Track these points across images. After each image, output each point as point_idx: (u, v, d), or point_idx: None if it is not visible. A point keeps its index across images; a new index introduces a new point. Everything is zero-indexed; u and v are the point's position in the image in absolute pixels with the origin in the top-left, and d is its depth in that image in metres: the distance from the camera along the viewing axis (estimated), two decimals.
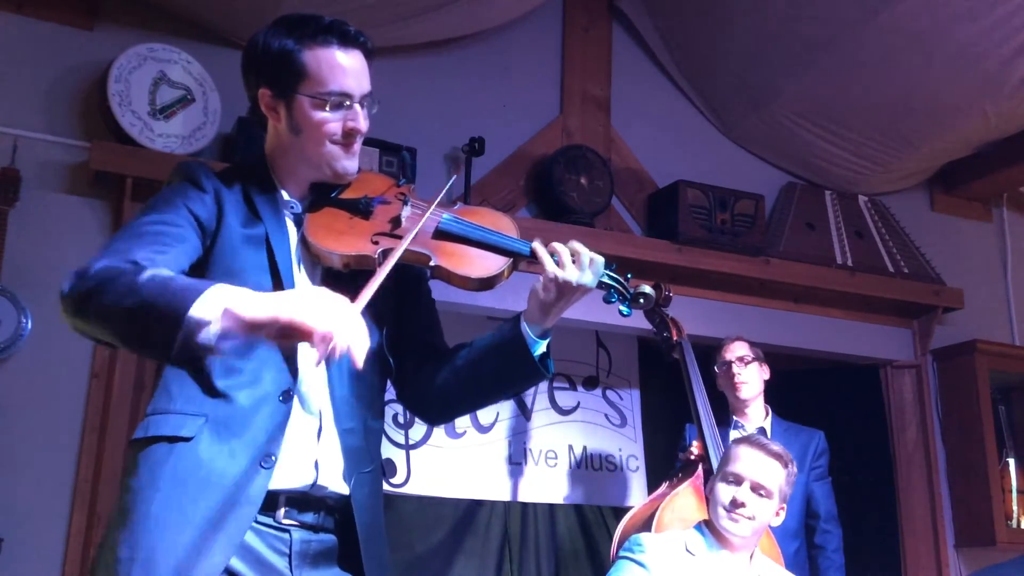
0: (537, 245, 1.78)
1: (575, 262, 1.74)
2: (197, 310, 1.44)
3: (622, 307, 1.83)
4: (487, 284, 1.79)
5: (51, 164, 3.44)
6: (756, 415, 3.67)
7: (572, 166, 4.12)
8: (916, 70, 4.05)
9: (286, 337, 1.45)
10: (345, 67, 1.77)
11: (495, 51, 4.27)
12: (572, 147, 4.19)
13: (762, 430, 3.62)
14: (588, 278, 1.75)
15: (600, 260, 1.77)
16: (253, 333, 1.46)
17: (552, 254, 1.76)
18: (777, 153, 4.71)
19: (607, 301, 1.83)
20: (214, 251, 1.72)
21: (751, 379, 3.63)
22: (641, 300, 1.82)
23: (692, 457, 3.32)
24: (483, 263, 1.79)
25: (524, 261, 1.81)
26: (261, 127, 1.88)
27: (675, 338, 3.46)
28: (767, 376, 3.70)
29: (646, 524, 3.12)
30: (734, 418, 3.64)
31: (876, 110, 4.33)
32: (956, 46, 3.89)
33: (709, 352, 3.79)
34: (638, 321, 4.14)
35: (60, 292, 1.55)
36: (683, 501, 3.19)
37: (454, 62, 4.18)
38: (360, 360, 1.46)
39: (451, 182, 1.85)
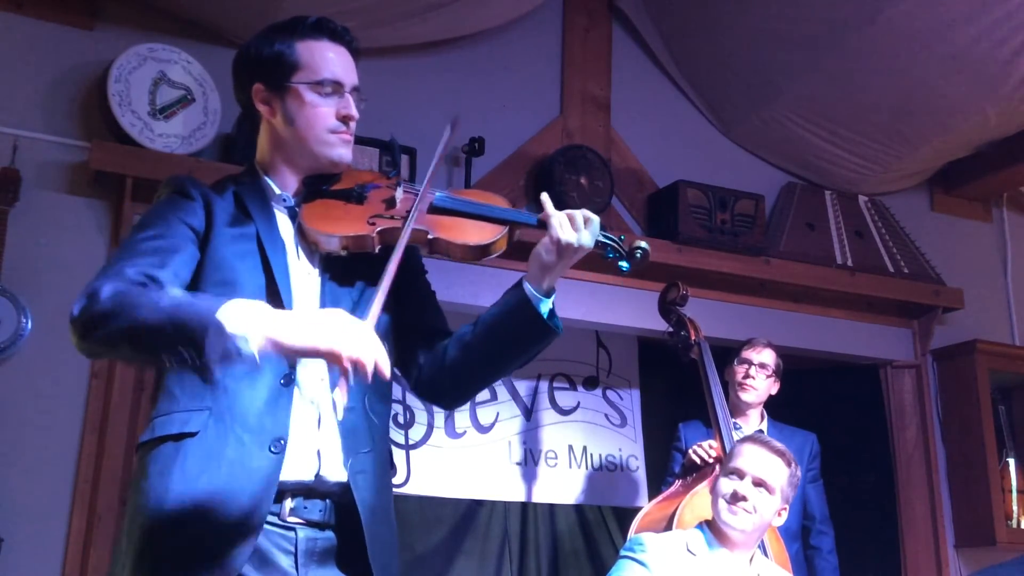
0: (545, 198, 1.82)
1: (575, 222, 1.78)
2: (232, 326, 1.49)
3: (621, 263, 1.85)
4: (484, 252, 1.83)
5: (51, 164, 3.44)
6: (754, 418, 3.67)
7: (572, 166, 4.12)
8: (916, 70, 4.05)
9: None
10: (335, 58, 1.85)
11: (495, 51, 4.27)
12: (572, 147, 4.20)
13: (760, 432, 3.62)
14: (587, 238, 1.78)
15: (596, 220, 1.80)
16: (287, 355, 1.53)
17: (555, 211, 1.80)
18: (777, 153, 4.71)
19: (605, 258, 1.85)
20: (207, 254, 1.75)
21: (761, 387, 3.63)
22: (638, 254, 1.84)
23: (710, 459, 3.31)
24: (480, 231, 1.83)
25: (519, 229, 1.85)
26: (254, 129, 1.91)
27: (693, 338, 3.45)
28: (774, 392, 3.69)
29: (666, 523, 3.11)
30: (732, 419, 3.64)
31: (876, 110, 4.33)
32: (956, 46, 3.89)
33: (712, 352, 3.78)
34: (638, 321, 4.17)
35: (70, 315, 1.57)
36: (703, 500, 3.18)
37: (454, 62, 4.18)
38: (387, 373, 1.54)
39: (436, 159, 1.87)
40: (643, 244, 1.85)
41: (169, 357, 1.51)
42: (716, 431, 3.34)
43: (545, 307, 1.80)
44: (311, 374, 1.73)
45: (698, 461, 3.35)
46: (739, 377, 3.63)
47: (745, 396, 3.62)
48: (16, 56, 3.48)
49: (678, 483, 3.38)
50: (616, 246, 1.84)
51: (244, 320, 1.50)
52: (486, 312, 1.86)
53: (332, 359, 1.50)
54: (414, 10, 3.81)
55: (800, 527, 3.63)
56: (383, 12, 3.73)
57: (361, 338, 1.51)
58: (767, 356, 3.66)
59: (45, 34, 3.52)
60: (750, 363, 3.64)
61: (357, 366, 1.49)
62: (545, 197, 1.83)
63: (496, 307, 1.84)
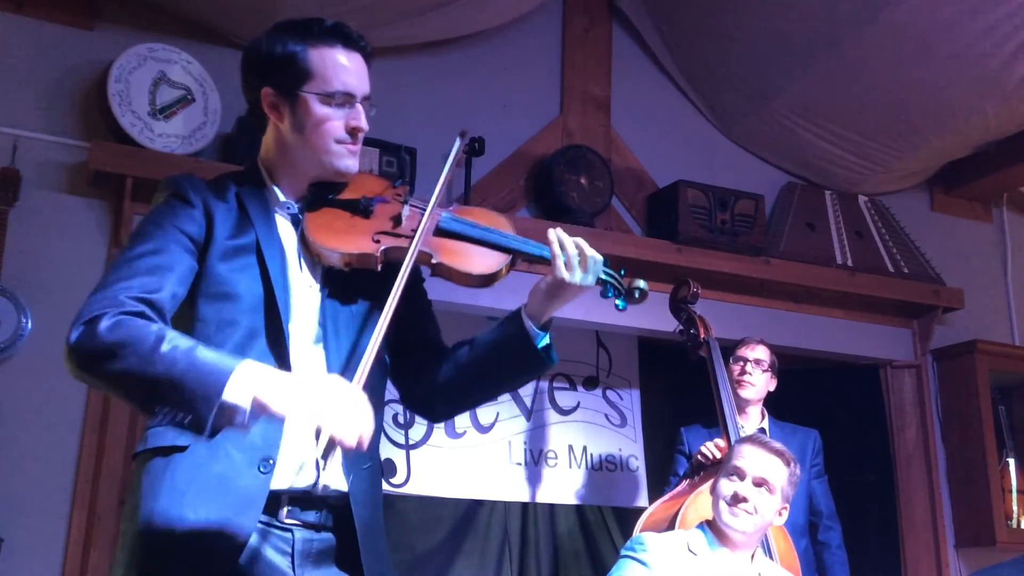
0: (552, 237, 1.80)
1: (580, 263, 1.78)
2: (230, 395, 1.48)
3: (618, 301, 1.87)
4: (487, 281, 1.83)
5: (51, 164, 3.44)
6: (755, 417, 3.68)
7: (572, 166, 4.12)
8: (916, 70, 4.05)
9: None
10: (349, 67, 1.81)
11: (495, 51, 4.27)
12: (572, 147, 4.19)
13: (762, 430, 3.63)
14: (590, 278, 1.80)
15: (600, 258, 1.81)
16: (276, 418, 1.52)
17: (561, 251, 1.79)
18: (777, 153, 4.71)
19: (604, 296, 1.87)
20: (205, 265, 1.73)
21: (758, 383, 3.64)
22: (636, 294, 1.85)
23: (717, 457, 3.31)
24: (483, 260, 1.82)
25: (522, 258, 1.85)
26: (259, 130, 1.89)
27: (703, 336, 3.46)
28: (772, 388, 3.70)
29: (670, 523, 3.11)
30: None
31: (876, 110, 4.33)
32: (956, 46, 3.89)
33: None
34: (638, 321, 4.17)
35: (67, 341, 1.55)
36: (707, 500, 3.18)
37: (454, 62, 4.18)
38: (366, 445, 1.52)
39: (444, 175, 1.85)
40: (642, 284, 1.86)
41: (166, 413, 1.52)
42: (723, 429, 3.34)
43: (542, 342, 1.80)
44: None
45: (704, 461, 3.35)
46: (736, 375, 3.64)
47: (744, 393, 3.62)
48: (16, 56, 3.47)
49: (685, 483, 3.38)
50: (616, 284, 1.86)
51: (245, 389, 1.49)
52: (482, 336, 1.86)
53: (317, 431, 1.49)
54: (414, 10, 3.81)
55: (807, 523, 3.64)
56: (383, 12, 3.73)
57: (347, 414, 1.49)
58: (761, 352, 3.67)
59: (45, 34, 3.52)
60: (745, 360, 3.65)
61: (340, 442, 1.48)
62: (551, 234, 1.81)
63: (492, 334, 1.84)
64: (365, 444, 1.51)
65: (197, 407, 1.48)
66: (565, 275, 1.76)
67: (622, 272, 1.87)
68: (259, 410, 1.50)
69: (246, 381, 1.50)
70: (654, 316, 4.11)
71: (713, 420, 3.45)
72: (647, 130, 4.50)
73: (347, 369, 1.72)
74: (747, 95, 4.47)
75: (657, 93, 4.58)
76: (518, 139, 4.23)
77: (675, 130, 4.58)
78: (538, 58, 4.38)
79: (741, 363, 3.65)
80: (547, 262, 1.80)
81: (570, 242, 1.79)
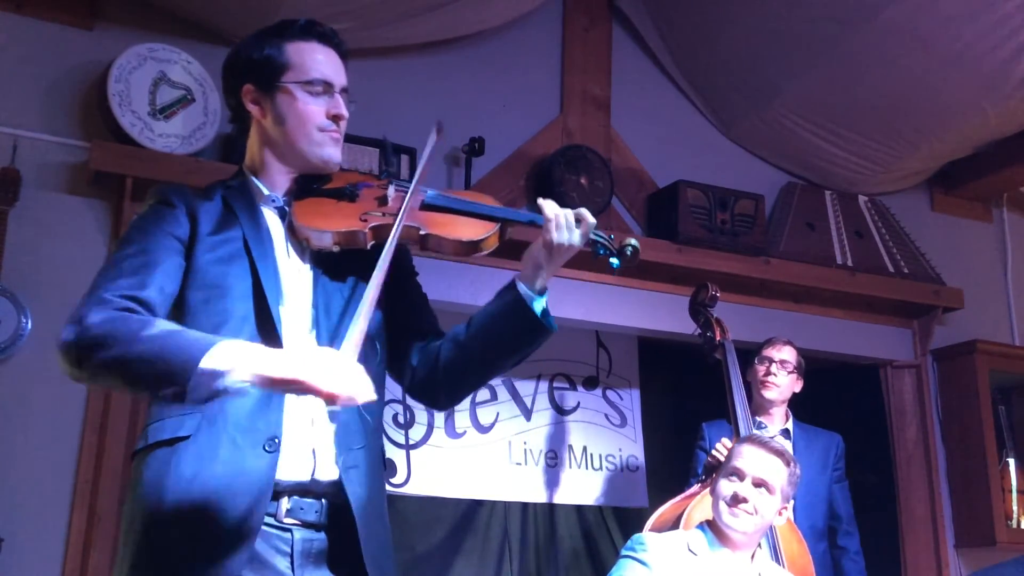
0: (541, 203, 1.85)
1: (567, 224, 1.81)
2: (211, 362, 1.51)
3: (612, 260, 1.88)
4: (477, 247, 1.85)
5: (51, 164, 3.44)
6: (779, 418, 3.66)
7: (572, 166, 4.12)
8: (916, 70, 4.05)
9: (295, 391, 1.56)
10: (325, 59, 1.87)
11: (495, 51, 4.27)
12: (572, 147, 4.19)
13: (786, 432, 3.62)
14: (577, 237, 1.82)
15: (588, 218, 1.83)
16: (268, 387, 1.55)
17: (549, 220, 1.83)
18: (777, 153, 4.71)
19: (596, 255, 1.88)
20: (193, 261, 1.75)
21: (783, 384, 3.61)
22: (628, 251, 1.87)
23: (723, 459, 3.31)
24: (472, 228, 1.86)
25: (511, 227, 1.88)
26: (244, 131, 1.93)
27: (719, 338, 3.47)
28: (798, 389, 3.68)
29: (675, 523, 3.11)
30: (756, 418, 3.62)
31: (876, 110, 4.33)
32: (956, 46, 3.90)
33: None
34: (638, 321, 4.17)
35: (59, 342, 1.59)
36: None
37: (454, 62, 4.18)
38: (371, 398, 1.57)
39: (428, 150, 1.88)
40: (633, 241, 1.87)
41: (156, 393, 1.56)
42: (735, 431, 3.34)
43: (539, 306, 1.82)
44: None
45: (714, 462, 3.35)
46: (760, 375, 3.62)
47: (768, 394, 3.60)
48: (16, 56, 3.47)
49: (698, 484, 3.38)
50: (606, 243, 1.87)
51: (230, 358, 1.52)
52: (479, 312, 1.88)
53: (315, 393, 1.52)
54: (414, 10, 3.81)
55: (827, 527, 3.62)
56: (383, 12, 3.73)
57: (342, 374, 1.52)
58: (787, 353, 3.65)
59: (45, 34, 3.52)
60: (771, 360, 3.62)
61: (338, 400, 1.52)
62: (541, 201, 1.86)
63: (490, 307, 1.86)
64: (358, 398, 1.54)
65: (177, 376, 1.50)
66: (551, 234, 1.79)
67: (611, 236, 1.89)
68: (255, 380, 1.52)
69: (229, 349, 1.53)
70: (654, 316, 4.12)
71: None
72: (647, 130, 4.50)
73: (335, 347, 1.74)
74: (747, 95, 4.47)
75: (657, 93, 4.58)
76: (518, 139, 4.22)
77: (675, 130, 4.58)
78: (538, 58, 4.37)
79: (767, 364, 3.63)
80: (534, 226, 1.83)
81: (555, 205, 1.83)
